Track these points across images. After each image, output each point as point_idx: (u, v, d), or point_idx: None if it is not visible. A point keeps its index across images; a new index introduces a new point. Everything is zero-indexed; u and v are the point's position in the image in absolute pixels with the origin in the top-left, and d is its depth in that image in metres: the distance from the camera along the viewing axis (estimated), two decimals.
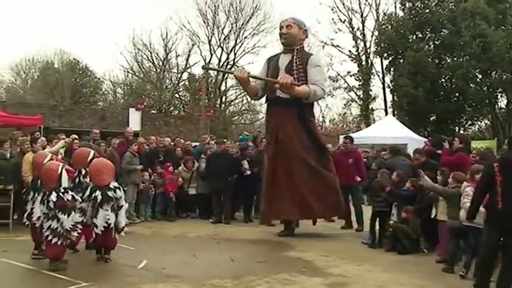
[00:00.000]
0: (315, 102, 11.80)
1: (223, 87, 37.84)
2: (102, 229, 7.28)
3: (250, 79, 10.80)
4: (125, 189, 8.93)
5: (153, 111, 33.53)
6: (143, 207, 11.92)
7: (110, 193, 7.40)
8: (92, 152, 7.83)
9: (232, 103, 38.95)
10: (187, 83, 38.96)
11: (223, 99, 38.50)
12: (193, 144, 15.18)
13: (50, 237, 6.81)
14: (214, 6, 36.01)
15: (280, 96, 10.21)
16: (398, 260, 8.37)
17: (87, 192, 7.40)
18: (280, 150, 10.25)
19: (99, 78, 42.26)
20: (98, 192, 7.33)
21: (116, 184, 7.70)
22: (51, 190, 6.91)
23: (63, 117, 25.32)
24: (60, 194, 6.88)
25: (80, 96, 41.00)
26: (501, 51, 27.78)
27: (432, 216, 8.49)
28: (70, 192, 7.02)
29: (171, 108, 37.52)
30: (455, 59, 31.27)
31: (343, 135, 15.28)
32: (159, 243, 9.37)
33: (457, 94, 31.28)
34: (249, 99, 38.13)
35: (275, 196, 10.15)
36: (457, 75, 29.96)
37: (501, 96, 31.61)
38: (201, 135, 18.00)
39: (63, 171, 7.11)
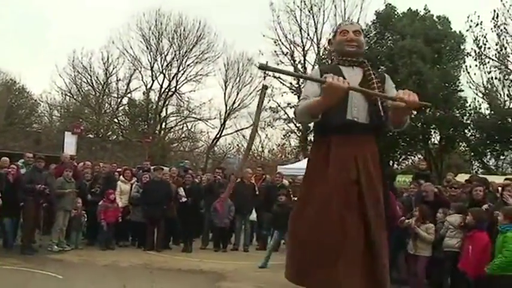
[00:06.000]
0: None
1: (163, 114, 37.59)
2: None
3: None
4: None
5: (90, 136, 32.82)
6: (74, 235, 11.55)
7: None
8: None
9: (172, 130, 38.71)
10: (127, 108, 38.51)
11: (163, 126, 38.20)
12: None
13: None
14: (158, 32, 35.87)
15: (357, 121, 5.04)
16: None
17: None
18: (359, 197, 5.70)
19: (35, 100, 41.07)
20: None
21: None
22: None
23: None
24: None
25: (15, 117, 39.62)
26: (436, 89, 28.64)
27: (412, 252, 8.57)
28: None
29: (109, 133, 36.86)
30: None
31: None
32: (89, 272, 9.06)
33: None
34: (189, 126, 37.91)
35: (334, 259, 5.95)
36: None
37: (434, 132, 32.58)
38: (142, 162, 17.72)
39: None
